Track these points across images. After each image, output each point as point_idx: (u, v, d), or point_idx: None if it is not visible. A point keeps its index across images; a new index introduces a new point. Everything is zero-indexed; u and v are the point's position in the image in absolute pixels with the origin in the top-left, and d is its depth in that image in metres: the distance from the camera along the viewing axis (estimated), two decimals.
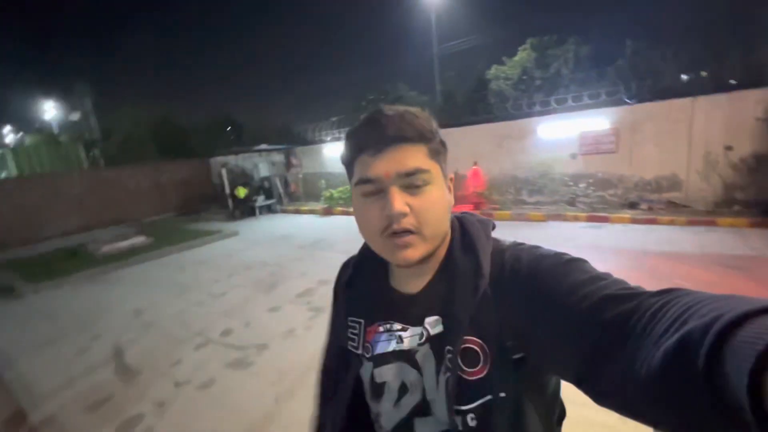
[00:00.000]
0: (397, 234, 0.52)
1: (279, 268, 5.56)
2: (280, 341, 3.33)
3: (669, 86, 8.57)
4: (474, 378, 0.51)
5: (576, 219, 6.77)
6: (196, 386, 2.77)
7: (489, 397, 0.50)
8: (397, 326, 0.59)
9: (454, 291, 0.54)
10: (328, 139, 12.78)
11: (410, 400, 0.57)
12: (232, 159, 12.92)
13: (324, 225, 8.73)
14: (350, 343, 0.63)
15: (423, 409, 0.56)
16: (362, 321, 0.63)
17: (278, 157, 12.44)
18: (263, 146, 12.40)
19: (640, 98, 7.72)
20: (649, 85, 8.65)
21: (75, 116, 18.23)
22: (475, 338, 0.52)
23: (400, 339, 0.58)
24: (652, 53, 11.50)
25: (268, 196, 11.54)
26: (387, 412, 0.59)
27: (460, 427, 0.51)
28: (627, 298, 0.39)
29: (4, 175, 15.65)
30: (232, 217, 10.90)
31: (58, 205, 10.96)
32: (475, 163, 8.29)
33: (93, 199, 11.67)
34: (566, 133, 7.39)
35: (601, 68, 11.70)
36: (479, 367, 0.51)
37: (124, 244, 7.50)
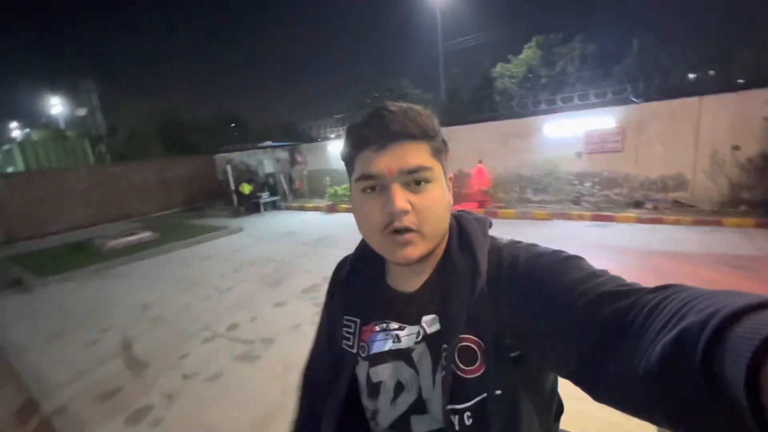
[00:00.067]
0: (397, 232, 0.52)
1: (284, 264, 5.60)
2: (286, 336, 3.37)
3: (676, 85, 8.52)
4: (471, 376, 0.51)
5: (581, 218, 6.76)
6: (204, 379, 2.82)
7: (485, 395, 0.50)
8: (394, 325, 0.59)
9: (451, 289, 0.54)
10: (333, 136, 12.81)
11: (406, 399, 0.57)
12: (236, 155, 12.99)
13: (328, 222, 8.76)
14: (345, 342, 0.63)
15: (419, 407, 0.56)
16: (358, 320, 0.62)
17: (283, 154, 12.48)
18: (268, 143, 12.45)
19: (647, 97, 7.69)
20: (656, 84, 8.61)
21: (81, 112, 18.35)
22: (472, 336, 0.52)
23: (397, 338, 0.58)
24: (659, 52, 11.42)
25: (273, 192, 11.58)
26: (384, 409, 0.59)
27: (457, 427, 0.51)
28: (624, 294, 0.39)
29: (11, 169, 15.81)
30: (237, 213, 10.96)
31: (64, 200, 11.07)
32: (480, 162, 8.28)
33: (99, 194, 11.78)
34: (572, 132, 7.37)
35: (608, 67, 11.64)
36: (476, 365, 0.51)
37: (131, 239, 7.57)
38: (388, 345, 0.58)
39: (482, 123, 8.79)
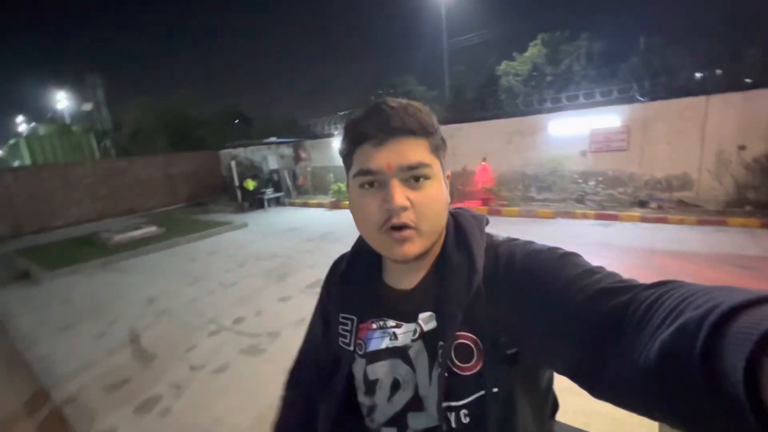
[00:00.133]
0: (395, 228, 0.51)
1: (288, 259, 5.64)
2: (291, 330, 3.40)
3: (683, 84, 8.47)
4: (467, 373, 0.51)
5: (585, 216, 6.75)
6: (211, 371, 2.86)
7: (482, 392, 0.50)
8: (391, 323, 0.59)
9: (447, 287, 0.54)
10: (336, 133, 12.82)
11: (403, 396, 0.57)
12: (241, 151, 13.03)
13: (332, 218, 8.79)
14: (341, 339, 0.63)
15: (416, 404, 0.56)
16: (354, 318, 0.62)
17: (287, 151, 12.51)
18: (272, 139, 12.49)
19: (653, 96, 7.65)
20: (663, 83, 8.56)
21: (87, 107, 18.46)
22: (468, 334, 0.51)
23: (394, 336, 0.58)
24: (666, 50, 11.34)
25: (277, 188, 11.63)
26: (381, 406, 0.59)
27: (453, 424, 0.51)
28: (622, 290, 0.39)
29: (17, 163, 15.94)
30: (241, 209, 11.02)
31: (71, 194, 11.17)
32: (484, 160, 8.29)
33: (105, 188, 11.87)
34: (576, 130, 7.35)
35: (614, 65, 11.57)
36: (472, 362, 0.51)
37: (136, 233, 7.63)
38: (385, 343, 0.58)
39: (487, 121, 8.77)
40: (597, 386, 0.39)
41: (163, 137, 18.47)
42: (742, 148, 5.97)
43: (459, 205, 0.63)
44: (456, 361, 0.51)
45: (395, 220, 0.51)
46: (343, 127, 0.57)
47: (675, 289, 0.34)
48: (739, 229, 5.37)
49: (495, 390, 0.50)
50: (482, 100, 13.98)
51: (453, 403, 0.51)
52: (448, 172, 0.59)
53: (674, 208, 6.45)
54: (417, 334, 0.56)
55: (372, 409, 0.60)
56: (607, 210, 6.76)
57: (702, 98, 6.20)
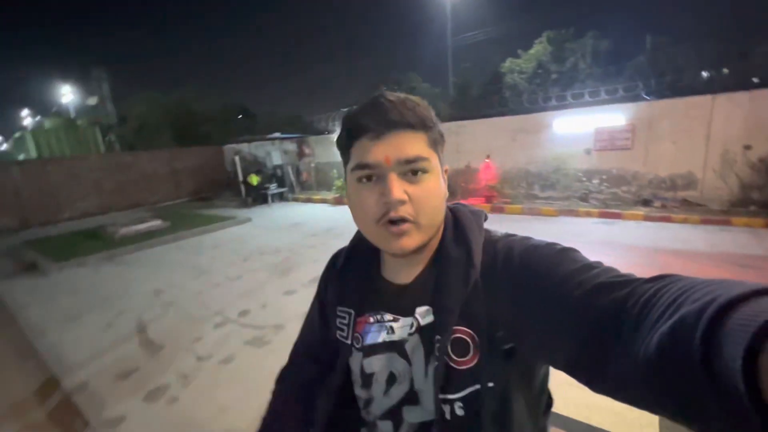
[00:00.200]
0: (393, 222, 0.51)
1: (292, 254, 5.69)
2: (296, 323, 3.44)
3: (689, 83, 8.43)
4: (463, 367, 0.51)
5: (588, 215, 6.76)
6: (218, 361, 2.91)
7: (477, 386, 0.51)
8: (388, 317, 0.59)
9: (445, 281, 0.54)
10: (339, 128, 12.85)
11: (399, 390, 0.57)
12: (245, 147, 13.08)
13: (335, 214, 8.83)
14: (339, 332, 0.63)
15: (411, 398, 0.56)
16: (352, 312, 0.62)
17: (291, 146, 12.55)
18: (276, 134, 12.52)
19: (659, 95, 7.63)
20: (669, 82, 8.53)
21: (92, 101, 18.53)
22: (465, 328, 0.52)
23: (391, 329, 0.58)
24: (673, 49, 11.27)
25: (281, 184, 11.67)
26: (377, 399, 0.59)
27: (448, 416, 0.51)
28: (620, 285, 0.39)
29: (22, 156, 16.06)
30: (245, 204, 11.07)
31: (77, 188, 11.26)
32: (488, 157, 8.29)
33: (110, 182, 11.96)
34: (581, 129, 7.34)
35: (620, 64, 11.51)
36: (469, 356, 0.51)
37: (142, 227, 7.70)
38: (382, 336, 0.59)
39: (491, 118, 8.77)
40: (596, 381, 0.39)
41: (167, 132, 18.54)
42: (747, 147, 5.96)
43: (460, 201, 0.64)
44: (452, 355, 0.51)
45: (393, 214, 0.51)
46: (341, 120, 0.57)
47: (673, 283, 0.34)
48: (743, 229, 5.37)
49: (490, 384, 0.50)
50: (487, 98, 13.95)
51: (448, 396, 0.51)
52: (446, 167, 0.59)
53: (678, 207, 6.45)
54: (414, 328, 0.56)
55: (369, 402, 0.60)
56: (610, 208, 6.77)
57: (708, 97, 6.18)
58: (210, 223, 8.11)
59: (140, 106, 19.23)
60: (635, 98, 7.73)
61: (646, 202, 6.80)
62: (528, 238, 0.56)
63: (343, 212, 8.93)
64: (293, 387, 0.73)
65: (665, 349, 0.29)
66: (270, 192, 11.10)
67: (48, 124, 17.64)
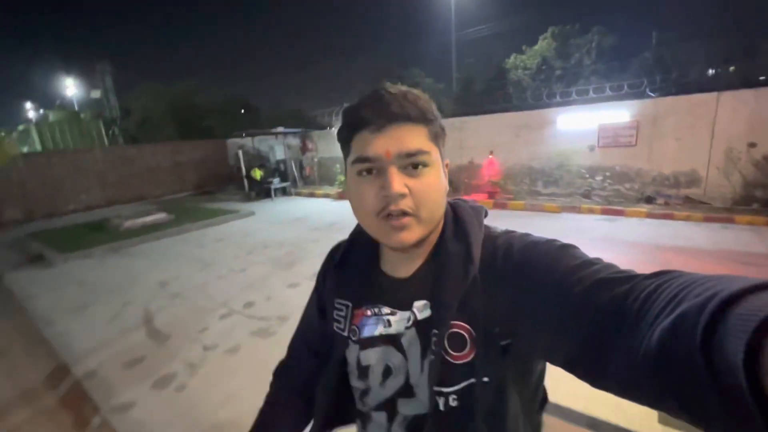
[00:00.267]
0: (393, 216, 0.51)
1: (296, 248, 5.73)
2: (300, 315, 3.49)
3: (694, 80, 8.39)
4: (459, 362, 0.51)
5: (591, 211, 6.77)
6: (224, 351, 2.96)
7: (472, 380, 0.51)
8: (386, 310, 0.59)
9: (443, 276, 0.54)
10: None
11: (394, 383, 0.58)
12: (248, 141, 13.10)
13: (338, 208, 8.86)
14: (336, 324, 0.63)
15: (406, 391, 0.57)
16: (350, 304, 0.62)
17: (294, 141, 12.56)
18: (280, 129, 12.53)
19: (664, 91, 7.60)
20: (674, 79, 8.49)
21: (96, 94, 18.55)
22: (462, 323, 0.52)
23: (388, 323, 0.58)
24: (679, 46, 11.19)
25: (284, 178, 11.70)
26: (373, 390, 0.60)
27: (442, 408, 0.52)
28: (621, 281, 0.39)
29: (26, 149, 16.11)
30: (248, 198, 11.12)
31: (81, 180, 11.33)
32: (491, 153, 8.30)
33: (114, 175, 12.03)
34: (585, 125, 7.32)
35: (625, 60, 11.44)
36: (465, 351, 0.51)
37: (146, 219, 7.75)
38: (379, 329, 0.59)
39: (495, 114, 8.76)
40: (596, 377, 0.39)
41: (170, 125, 18.56)
42: (752, 145, 5.94)
43: (465, 198, 0.64)
44: (449, 350, 0.52)
45: (393, 207, 0.51)
46: (342, 112, 0.56)
47: (674, 279, 0.34)
48: (746, 227, 5.38)
49: (485, 379, 0.51)
50: (490, 93, 13.91)
51: (443, 389, 0.52)
52: (447, 161, 0.59)
53: (681, 204, 6.45)
54: (411, 322, 0.56)
55: (365, 392, 0.61)
56: (613, 205, 6.78)
57: (713, 95, 6.16)
58: (214, 217, 8.16)
59: (143, 97, 19.23)
60: (640, 95, 7.70)
61: (649, 200, 6.80)
62: (527, 235, 0.56)
63: (346, 207, 8.93)
64: (291, 379, 0.74)
65: (666, 345, 0.29)
66: (273, 186, 11.14)
67: (52, 117, 17.67)
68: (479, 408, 0.50)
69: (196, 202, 11.11)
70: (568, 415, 2.22)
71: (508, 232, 0.58)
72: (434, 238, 0.59)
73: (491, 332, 0.51)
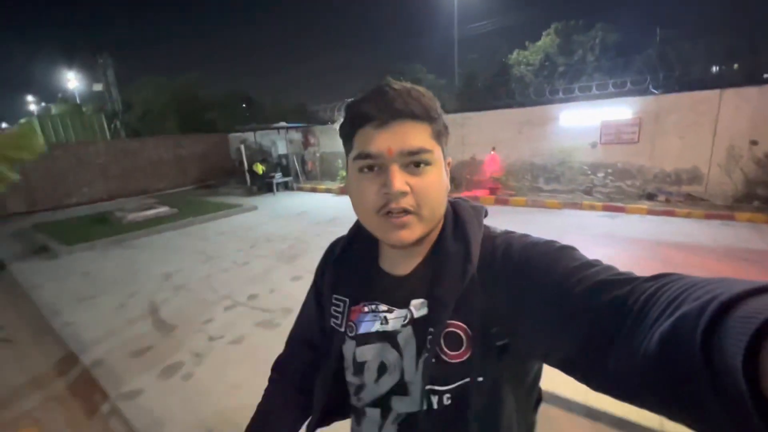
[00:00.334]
0: (393, 213, 0.51)
1: (298, 242, 5.77)
2: None
3: (698, 78, 8.37)
4: (454, 361, 0.51)
5: (592, 208, 6.79)
6: (229, 341, 3.01)
7: (467, 379, 0.51)
8: (383, 307, 0.59)
9: (441, 275, 0.54)
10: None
11: (389, 380, 0.58)
12: (250, 135, 13.11)
13: (340, 203, 8.89)
14: (333, 320, 0.63)
15: (401, 389, 0.57)
16: (347, 300, 0.62)
17: (296, 136, 12.56)
18: (282, 124, 12.53)
19: (668, 89, 7.59)
20: (677, 76, 8.46)
21: (98, 87, 18.52)
22: (459, 322, 0.52)
23: (385, 320, 0.58)
24: (683, 43, 11.14)
25: (285, 173, 11.72)
26: (368, 385, 0.60)
27: (435, 406, 0.52)
28: (620, 283, 0.39)
29: None
30: (250, 192, 11.15)
31: (83, 173, 11.37)
32: (493, 149, 8.31)
33: (116, 168, 12.06)
34: (588, 122, 7.33)
35: (628, 57, 11.39)
36: (461, 350, 0.51)
37: (149, 212, 7.79)
38: (376, 326, 0.59)
39: (497, 110, 8.75)
40: (595, 379, 0.39)
41: (172, 118, 18.56)
42: (754, 143, 5.95)
43: (466, 194, 0.65)
44: (445, 349, 0.52)
45: (394, 205, 0.51)
46: (344, 107, 0.56)
47: (674, 281, 0.34)
48: (746, 224, 5.40)
49: (480, 379, 0.51)
50: (493, 90, 13.88)
51: (437, 388, 0.52)
52: (449, 159, 0.59)
53: (682, 201, 6.47)
54: (407, 320, 0.56)
55: (360, 388, 0.61)
56: (614, 202, 6.80)
57: (715, 92, 6.16)
58: (217, 211, 8.20)
59: (145, 90, 19.21)
60: (643, 92, 7.69)
61: (650, 197, 6.82)
62: (526, 235, 0.56)
63: (348, 202, 8.94)
64: (289, 373, 0.75)
65: (666, 347, 0.29)
66: (275, 181, 11.16)
67: (54, 110, 17.69)
68: (473, 407, 0.51)
69: (198, 196, 11.14)
70: (567, 405, 2.26)
71: (507, 233, 0.58)
72: (434, 236, 0.59)
73: (488, 332, 0.51)
